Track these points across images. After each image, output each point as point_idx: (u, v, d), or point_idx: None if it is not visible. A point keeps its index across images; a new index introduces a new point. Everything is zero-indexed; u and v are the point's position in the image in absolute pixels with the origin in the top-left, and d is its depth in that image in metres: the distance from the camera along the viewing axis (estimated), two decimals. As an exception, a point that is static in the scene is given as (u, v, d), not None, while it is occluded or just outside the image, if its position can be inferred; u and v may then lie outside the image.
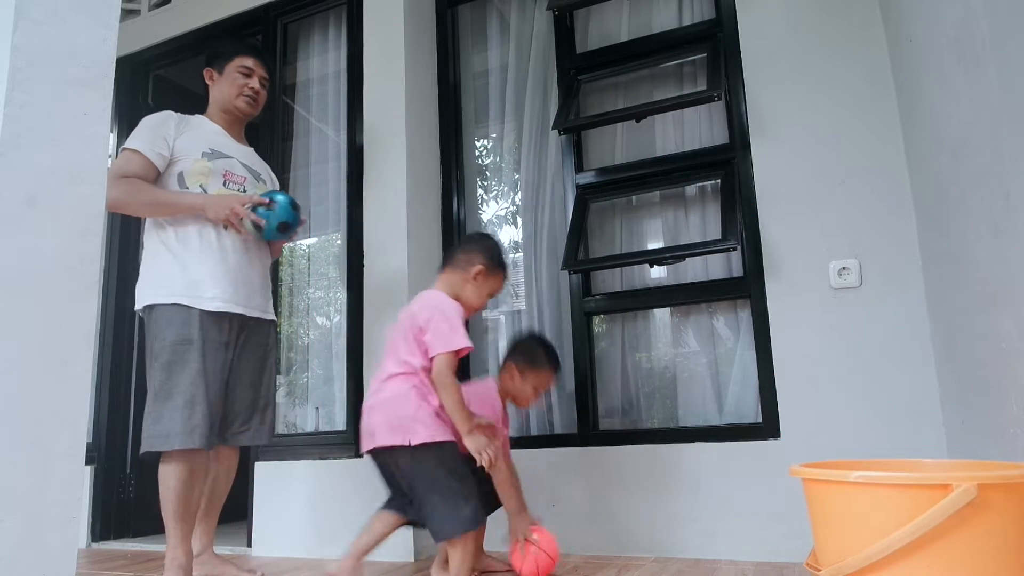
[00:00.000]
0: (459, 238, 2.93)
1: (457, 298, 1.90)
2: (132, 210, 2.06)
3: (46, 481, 1.07)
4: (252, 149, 2.33)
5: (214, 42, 2.40)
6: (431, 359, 1.78)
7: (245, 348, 2.15)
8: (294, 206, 2.09)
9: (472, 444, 1.76)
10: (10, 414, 1.04)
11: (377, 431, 1.78)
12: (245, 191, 2.16)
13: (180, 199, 2.04)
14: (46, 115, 1.13)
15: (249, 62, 2.24)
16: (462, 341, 1.78)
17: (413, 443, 1.72)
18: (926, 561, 1.10)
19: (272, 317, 2.27)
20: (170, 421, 1.93)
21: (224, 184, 2.13)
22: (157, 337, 1.99)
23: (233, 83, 2.22)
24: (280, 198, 2.08)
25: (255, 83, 2.25)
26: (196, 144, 2.13)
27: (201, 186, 2.09)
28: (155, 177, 2.06)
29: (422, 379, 1.79)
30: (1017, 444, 1.44)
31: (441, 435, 1.76)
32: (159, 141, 2.07)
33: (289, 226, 2.09)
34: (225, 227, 2.07)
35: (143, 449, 1.97)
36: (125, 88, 3.49)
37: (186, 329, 1.98)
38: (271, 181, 2.35)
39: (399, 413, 1.76)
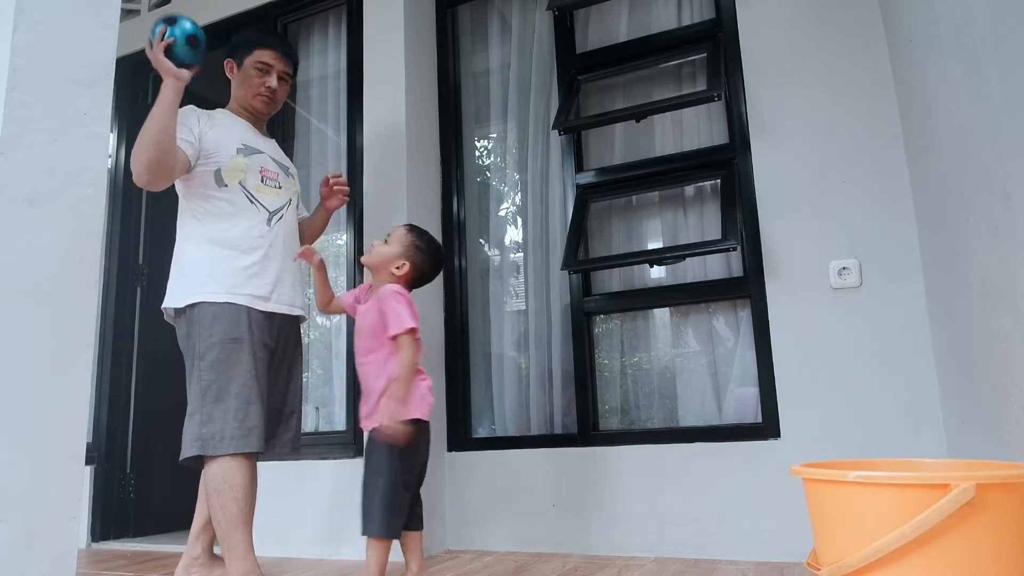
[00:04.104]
0: (459, 238, 2.94)
1: None
2: (149, 152, 1.84)
3: (46, 481, 1.07)
4: (275, 141, 2.27)
5: (239, 32, 2.28)
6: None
7: (277, 348, 2.06)
8: (191, 21, 1.92)
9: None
10: (10, 414, 1.04)
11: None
12: (280, 187, 2.12)
13: (161, 103, 1.85)
14: (46, 115, 1.13)
15: (267, 56, 2.13)
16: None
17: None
18: (925, 561, 1.10)
19: (300, 312, 2.15)
20: (223, 423, 1.83)
21: (262, 180, 2.07)
22: (202, 335, 1.89)
23: (249, 81, 2.13)
24: (174, 16, 1.91)
25: (272, 81, 2.14)
26: (228, 140, 2.05)
27: (240, 183, 2.02)
28: (187, 167, 1.97)
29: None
30: (1017, 444, 1.44)
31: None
32: (183, 130, 1.95)
33: (197, 40, 1.92)
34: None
35: (189, 453, 1.85)
36: (125, 88, 3.49)
37: (236, 328, 1.90)
38: (295, 174, 2.28)
39: None
